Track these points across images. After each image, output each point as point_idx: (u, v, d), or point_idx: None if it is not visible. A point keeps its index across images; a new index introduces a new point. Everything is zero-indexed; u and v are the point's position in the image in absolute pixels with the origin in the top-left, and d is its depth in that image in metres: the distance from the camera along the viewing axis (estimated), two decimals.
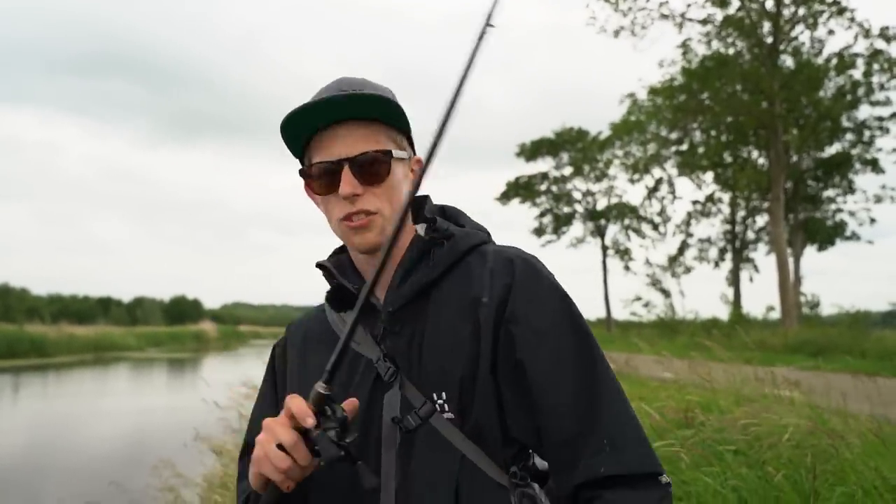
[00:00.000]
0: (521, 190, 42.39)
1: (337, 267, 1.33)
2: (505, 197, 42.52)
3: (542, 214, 42.92)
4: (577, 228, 42.96)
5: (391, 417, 1.21)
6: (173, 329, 59.39)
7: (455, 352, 1.21)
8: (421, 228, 1.34)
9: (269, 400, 1.41)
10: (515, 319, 1.21)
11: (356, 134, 1.23)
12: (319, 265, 1.34)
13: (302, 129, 1.25)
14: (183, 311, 78.76)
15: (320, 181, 1.25)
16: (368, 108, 1.24)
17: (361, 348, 1.28)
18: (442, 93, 1.27)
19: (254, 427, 1.38)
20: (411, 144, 1.34)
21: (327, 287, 1.38)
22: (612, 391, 1.19)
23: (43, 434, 12.88)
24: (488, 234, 1.36)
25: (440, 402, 1.20)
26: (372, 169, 1.23)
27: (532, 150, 41.68)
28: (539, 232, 42.47)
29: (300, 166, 1.31)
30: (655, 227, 38.65)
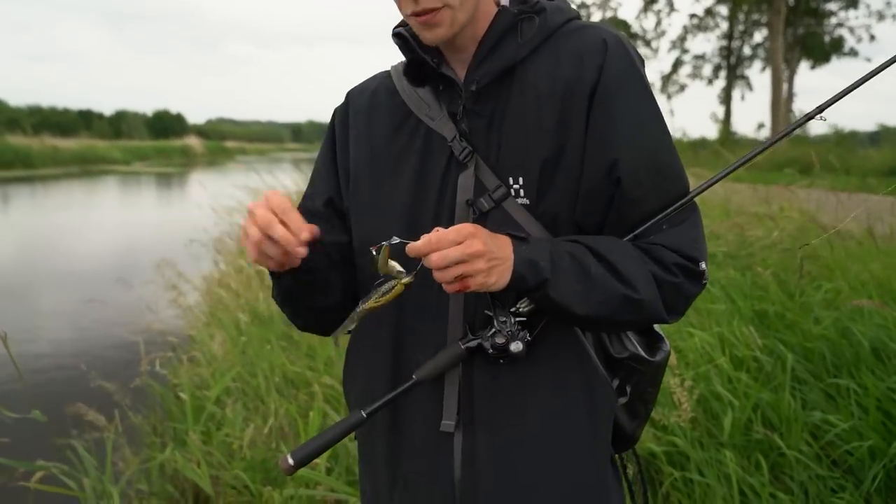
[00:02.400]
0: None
1: (414, 37, 1.22)
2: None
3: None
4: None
5: (465, 200, 1.18)
6: (159, 143, 58.71)
7: (541, 134, 1.16)
8: None
9: (328, 167, 1.35)
10: (608, 105, 1.15)
11: None
12: (396, 34, 1.24)
13: None
14: (167, 125, 77.49)
15: None
16: None
17: (436, 124, 1.22)
18: None
19: (309, 190, 1.37)
20: None
21: (342, 88, 1.35)
22: (683, 185, 1.21)
23: (39, 241, 13.06)
24: (576, 11, 1.26)
25: (516, 186, 1.17)
26: None
27: None
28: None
29: None
30: (648, 43, 37.56)
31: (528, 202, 1.17)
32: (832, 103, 1.26)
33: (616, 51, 1.17)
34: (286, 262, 1.11)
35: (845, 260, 3.78)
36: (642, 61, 1.21)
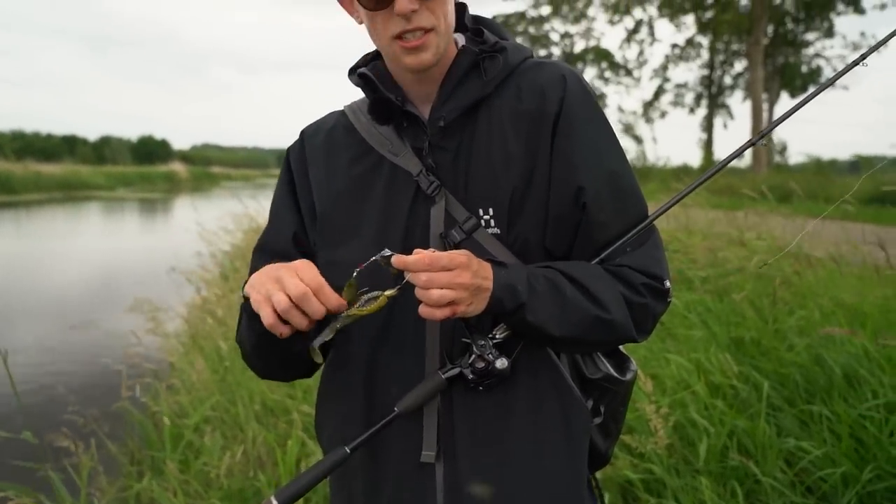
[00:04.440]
0: None
1: (377, 77, 1.26)
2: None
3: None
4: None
5: (439, 233, 1.20)
6: (143, 169, 58.50)
7: (507, 165, 1.21)
8: (461, 39, 1.29)
9: (288, 204, 1.36)
10: (570, 134, 1.21)
11: None
12: (361, 74, 1.27)
13: None
14: (151, 151, 77.32)
15: None
16: None
17: (401, 160, 1.25)
18: None
19: (270, 229, 1.37)
20: None
21: (314, 118, 1.38)
22: (642, 207, 1.27)
23: (20, 268, 12.95)
24: (530, 49, 1.33)
25: (486, 217, 1.20)
26: None
27: None
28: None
29: None
30: (629, 72, 38.04)
31: (498, 231, 1.21)
32: (770, 130, 1.36)
33: (574, 85, 1.24)
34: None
35: (816, 286, 3.85)
36: (594, 94, 1.28)
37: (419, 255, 1.07)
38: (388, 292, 1.12)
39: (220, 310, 5.81)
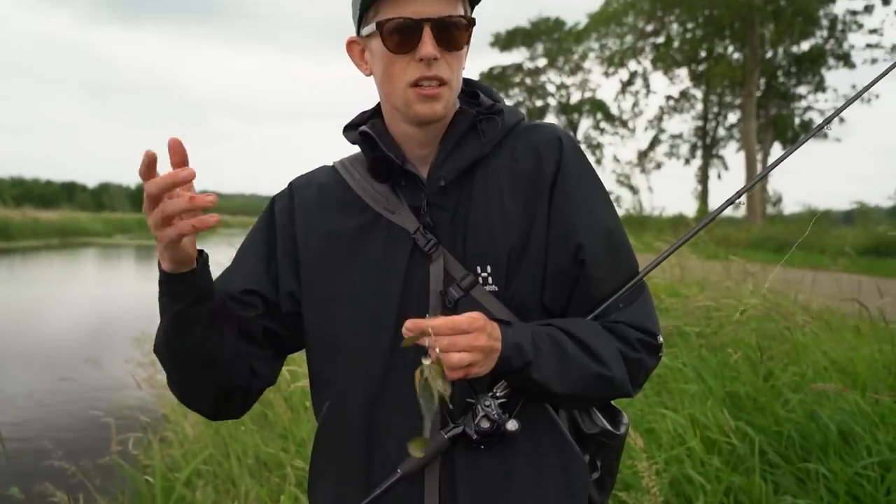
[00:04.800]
0: (494, 81, 41.70)
1: (377, 135, 1.27)
2: None
3: (516, 106, 42.50)
4: (549, 122, 42.75)
5: (439, 290, 1.22)
6: (141, 216, 58.11)
7: (505, 224, 1.24)
8: (456, 101, 1.31)
9: (257, 251, 1.34)
10: (568, 194, 1.25)
11: None
12: (362, 132, 1.28)
13: None
14: None
15: (395, 38, 1.19)
16: None
17: (397, 217, 1.26)
18: None
19: (230, 270, 1.35)
20: None
21: (324, 163, 1.38)
22: (634, 263, 1.30)
23: (14, 315, 12.89)
24: (522, 113, 1.37)
25: (483, 275, 1.22)
26: (452, 34, 1.20)
27: (507, 40, 40.81)
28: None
29: (356, 26, 1.27)
30: (624, 123, 38.58)
31: (496, 289, 1.23)
32: (748, 190, 1.38)
33: (570, 146, 1.28)
34: (185, 254, 1.10)
35: (809, 341, 3.86)
36: (587, 157, 1.32)
37: (442, 320, 1.06)
38: (439, 387, 1.06)
39: None
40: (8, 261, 25.19)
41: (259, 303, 1.29)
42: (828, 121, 1.41)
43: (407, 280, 1.24)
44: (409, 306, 1.23)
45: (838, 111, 1.47)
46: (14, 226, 34.69)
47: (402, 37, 1.18)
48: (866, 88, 1.47)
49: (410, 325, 1.06)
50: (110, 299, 14.95)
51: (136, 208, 68.56)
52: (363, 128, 1.29)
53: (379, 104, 1.34)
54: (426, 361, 1.07)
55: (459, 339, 1.06)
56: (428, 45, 1.17)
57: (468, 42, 1.24)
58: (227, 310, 1.25)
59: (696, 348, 4.05)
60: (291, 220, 1.34)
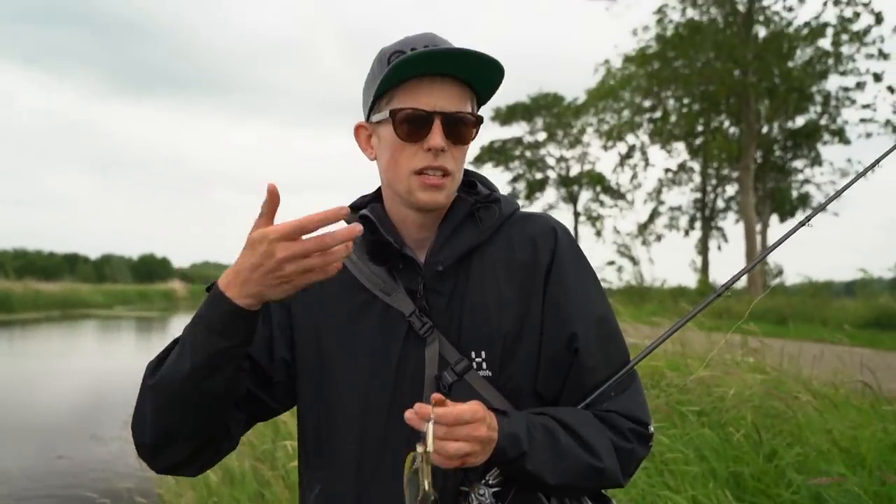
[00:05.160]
0: (494, 154, 42.35)
1: (376, 218, 1.31)
2: (479, 161, 42.47)
3: (515, 179, 43.03)
4: (549, 194, 43.11)
5: (434, 375, 1.24)
6: (142, 287, 58.72)
7: (500, 310, 1.27)
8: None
9: (263, 316, 1.31)
10: (562, 283, 1.29)
11: (452, 91, 1.25)
12: (362, 216, 1.32)
13: (404, 74, 1.24)
14: (152, 269, 77.82)
15: (406, 127, 1.24)
16: (473, 69, 1.26)
17: (393, 300, 1.29)
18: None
19: None
20: None
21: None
22: (626, 352, 1.33)
23: (10, 390, 12.77)
24: (517, 201, 1.41)
25: (478, 360, 1.25)
26: (461, 129, 1.26)
27: (507, 114, 41.57)
28: (512, 197, 42.47)
29: (367, 110, 1.32)
30: (623, 196, 38.93)
31: (490, 374, 1.25)
32: (733, 282, 1.42)
33: (564, 237, 1.33)
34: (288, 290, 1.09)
35: (812, 421, 3.82)
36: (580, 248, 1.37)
37: (446, 410, 1.06)
38: (425, 486, 1.05)
39: None
40: (8, 333, 25.09)
41: (249, 366, 1.29)
42: (830, 200, 1.48)
43: (401, 363, 1.26)
44: (402, 389, 1.25)
45: (840, 192, 1.53)
46: (15, 298, 34.69)
47: (412, 126, 1.24)
48: (868, 169, 1.52)
49: (418, 410, 1.06)
50: (108, 374, 14.82)
51: (137, 279, 68.74)
52: (364, 211, 1.33)
53: (379, 188, 1.38)
54: (420, 449, 1.06)
55: (459, 429, 1.07)
56: (437, 137, 1.22)
57: (474, 138, 1.29)
58: (241, 391, 1.26)
59: (697, 427, 4.00)
60: (285, 303, 1.35)
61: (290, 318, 1.34)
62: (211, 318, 1.11)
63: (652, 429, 1.30)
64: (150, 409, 1.18)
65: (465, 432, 1.07)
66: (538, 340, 1.27)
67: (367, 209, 1.33)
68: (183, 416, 1.18)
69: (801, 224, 1.47)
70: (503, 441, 1.13)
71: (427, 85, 1.24)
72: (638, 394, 1.32)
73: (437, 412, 1.06)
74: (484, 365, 1.25)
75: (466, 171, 1.40)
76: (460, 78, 1.26)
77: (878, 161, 1.54)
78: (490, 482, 1.18)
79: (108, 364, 16.59)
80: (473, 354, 1.25)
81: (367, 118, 1.33)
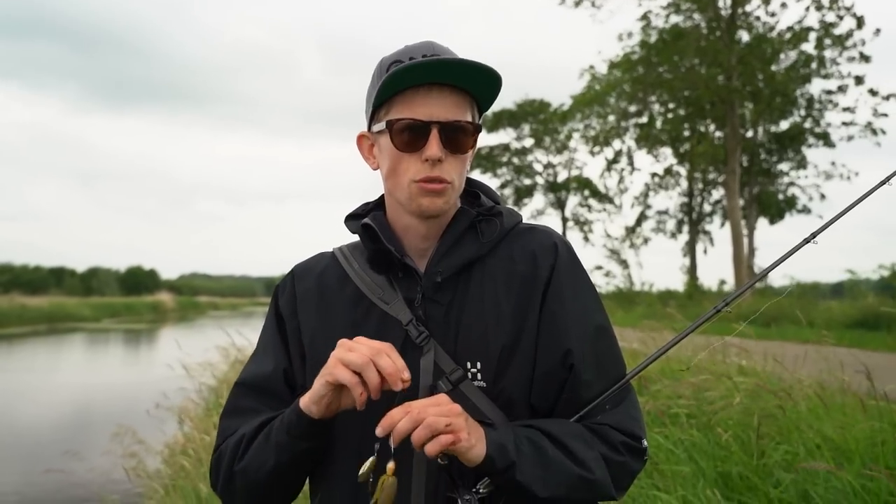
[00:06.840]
0: (482, 161, 42.41)
1: (378, 227, 1.32)
2: None
3: (503, 186, 43.11)
4: (537, 200, 43.29)
5: (428, 384, 1.23)
6: (129, 300, 58.49)
7: (498, 322, 1.27)
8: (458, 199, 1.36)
9: (276, 341, 1.38)
10: (559, 299, 1.29)
11: (449, 100, 1.25)
12: (364, 224, 1.32)
13: (401, 84, 1.24)
14: (139, 281, 77.55)
15: (403, 137, 1.25)
16: (470, 78, 1.25)
17: (391, 308, 1.29)
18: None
19: (257, 363, 1.38)
20: None
21: (320, 249, 1.42)
22: (622, 367, 1.34)
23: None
24: (520, 214, 1.41)
25: (474, 370, 1.25)
26: (458, 138, 1.26)
27: (494, 121, 41.67)
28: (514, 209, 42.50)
29: (368, 119, 1.33)
30: (610, 200, 39.11)
31: (484, 385, 1.25)
32: (735, 297, 1.43)
33: (564, 253, 1.34)
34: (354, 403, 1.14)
35: (800, 419, 3.84)
36: (581, 262, 1.37)
37: (405, 406, 1.10)
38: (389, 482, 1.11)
39: (200, 450, 5.68)
40: None
41: (289, 393, 1.34)
42: (822, 229, 1.45)
43: None
44: (398, 397, 1.24)
45: (833, 219, 1.49)
46: (1, 313, 34.45)
47: (409, 136, 1.24)
48: (863, 198, 1.51)
49: (386, 421, 1.09)
50: (96, 388, 14.72)
51: (125, 291, 68.39)
52: (366, 220, 1.33)
53: (382, 197, 1.39)
54: (390, 465, 1.09)
55: (432, 408, 1.10)
56: (434, 147, 1.22)
57: (474, 146, 1.30)
58: None
59: (687, 428, 4.02)
60: (294, 311, 1.39)
61: (299, 334, 1.36)
62: (292, 428, 1.22)
63: (646, 443, 1.30)
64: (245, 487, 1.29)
65: (438, 409, 1.09)
66: (534, 354, 1.27)
67: (369, 217, 1.34)
68: (271, 492, 1.29)
69: (807, 241, 1.45)
70: (492, 450, 1.14)
71: (424, 94, 1.24)
72: (633, 408, 1.32)
73: (413, 403, 1.10)
74: (479, 376, 1.25)
75: (470, 181, 1.41)
76: (459, 86, 1.27)
77: (882, 184, 1.52)
78: (480, 490, 1.18)
79: (95, 378, 16.49)
80: (469, 365, 1.25)
81: (369, 128, 1.34)
